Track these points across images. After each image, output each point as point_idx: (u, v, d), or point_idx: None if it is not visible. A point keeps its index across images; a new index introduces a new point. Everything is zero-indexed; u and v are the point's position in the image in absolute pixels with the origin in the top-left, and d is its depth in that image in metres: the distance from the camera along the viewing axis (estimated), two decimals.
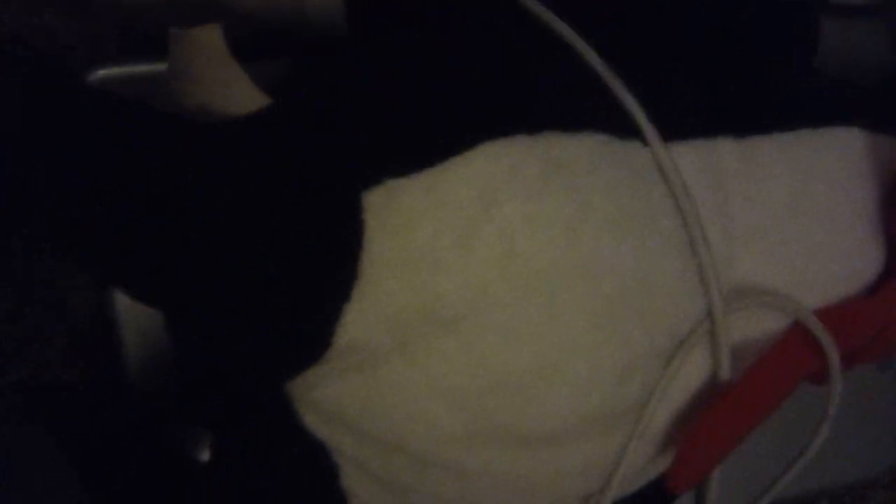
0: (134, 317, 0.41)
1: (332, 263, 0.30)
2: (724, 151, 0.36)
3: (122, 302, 0.41)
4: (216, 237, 0.30)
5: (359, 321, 0.30)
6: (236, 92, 0.30)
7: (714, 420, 0.36)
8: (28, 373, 0.43)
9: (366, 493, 0.34)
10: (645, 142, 0.34)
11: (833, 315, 0.38)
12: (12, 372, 0.43)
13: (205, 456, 0.37)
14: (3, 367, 0.43)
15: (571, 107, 0.33)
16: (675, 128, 0.35)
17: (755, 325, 0.37)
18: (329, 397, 0.32)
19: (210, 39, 0.30)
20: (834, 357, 0.38)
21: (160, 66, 0.41)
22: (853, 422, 0.54)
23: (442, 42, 0.33)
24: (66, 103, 0.31)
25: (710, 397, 0.36)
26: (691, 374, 0.36)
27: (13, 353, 0.43)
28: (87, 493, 0.38)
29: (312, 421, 0.33)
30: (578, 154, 0.33)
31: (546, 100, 0.33)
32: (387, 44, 0.34)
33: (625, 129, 0.34)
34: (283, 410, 0.32)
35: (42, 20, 0.43)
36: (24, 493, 0.39)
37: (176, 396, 0.39)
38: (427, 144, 0.31)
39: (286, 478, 0.34)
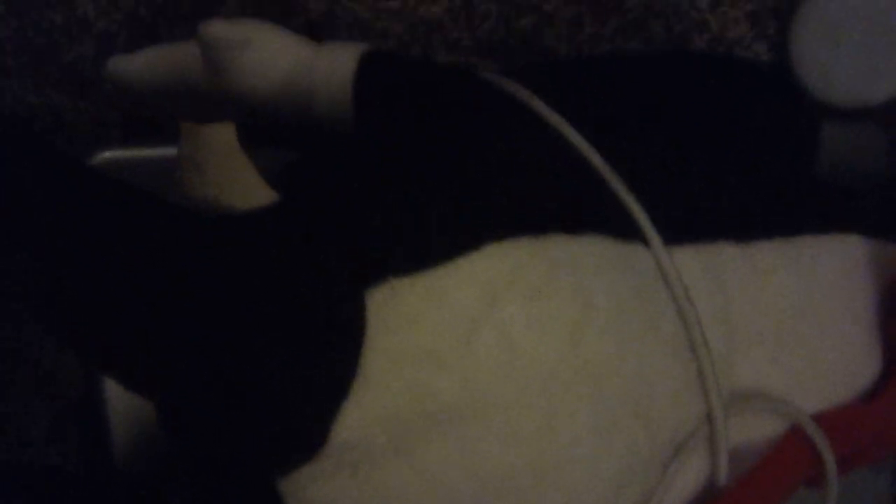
0: (123, 398, 0.41)
1: (333, 360, 0.30)
2: (726, 256, 0.37)
3: (112, 383, 0.41)
4: (216, 332, 0.29)
5: (356, 419, 0.30)
6: (245, 188, 0.30)
7: None
8: (11, 451, 0.43)
9: None
10: (647, 244, 0.34)
11: (831, 420, 0.38)
12: None
13: None
14: None
15: (575, 209, 0.34)
16: (677, 231, 0.35)
17: (753, 430, 0.37)
18: (322, 497, 0.31)
19: (223, 137, 0.30)
20: (831, 462, 0.38)
21: (164, 152, 0.42)
22: None
23: (449, 143, 0.34)
24: (69, 185, 0.31)
25: (707, 502, 0.36)
26: (688, 479, 0.36)
27: None
28: None
29: None
30: (582, 256, 0.33)
31: (550, 202, 0.33)
32: (394, 143, 0.34)
33: (627, 231, 0.34)
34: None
35: (47, 99, 0.43)
36: None
37: (165, 482, 0.38)
38: (431, 244, 0.31)
39: None
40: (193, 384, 0.30)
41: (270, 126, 0.37)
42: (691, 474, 0.35)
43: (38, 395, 0.43)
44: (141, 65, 0.39)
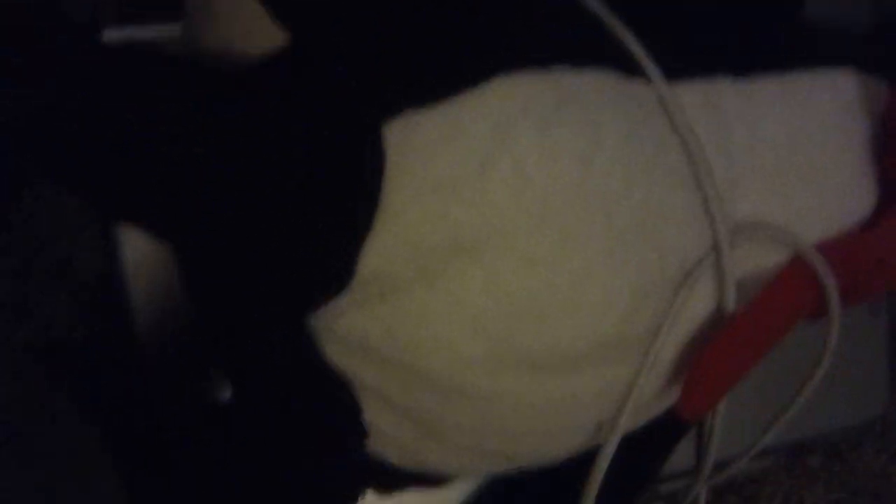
0: (141, 271, 0.41)
1: (355, 194, 0.30)
2: (723, 90, 0.37)
3: (129, 256, 0.42)
4: (243, 171, 0.30)
5: (381, 251, 0.31)
6: (257, 29, 0.30)
7: (720, 351, 0.37)
8: (35, 331, 0.43)
9: (387, 424, 0.35)
10: (648, 80, 0.35)
11: (831, 248, 0.39)
12: (19, 331, 0.43)
13: (224, 398, 0.37)
14: (10, 327, 0.43)
15: (578, 46, 0.34)
16: (677, 68, 0.36)
17: (757, 259, 0.38)
18: (352, 328, 0.32)
19: None
20: (833, 289, 0.39)
21: (162, 29, 0.42)
22: (845, 368, 0.55)
23: None
24: (87, 57, 0.31)
25: (716, 329, 0.37)
26: (698, 305, 0.37)
27: (19, 311, 0.44)
28: (105, 450, 0.38)
29: (335, 353, 0.33)
30: (588, 88, 0.33)
31: (555, 37, 0.34)
32: None
33: (629, 68, 0.35)
34: (305, 344, 0.33)
35: None
36: (41, 453, 0.39)
37: (188, 346, 0.39)
38: (444, 77, 0.31)
39: (309, 412, 0.34)
40: (222, 224, 0.31)
41: None
42: (700, 301, 0.37)
43: (58, 279, 0.44)
44: None
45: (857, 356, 0.56)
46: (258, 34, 0.31)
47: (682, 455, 0.44)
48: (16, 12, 0.38)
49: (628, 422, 0.37)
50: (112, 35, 0.41)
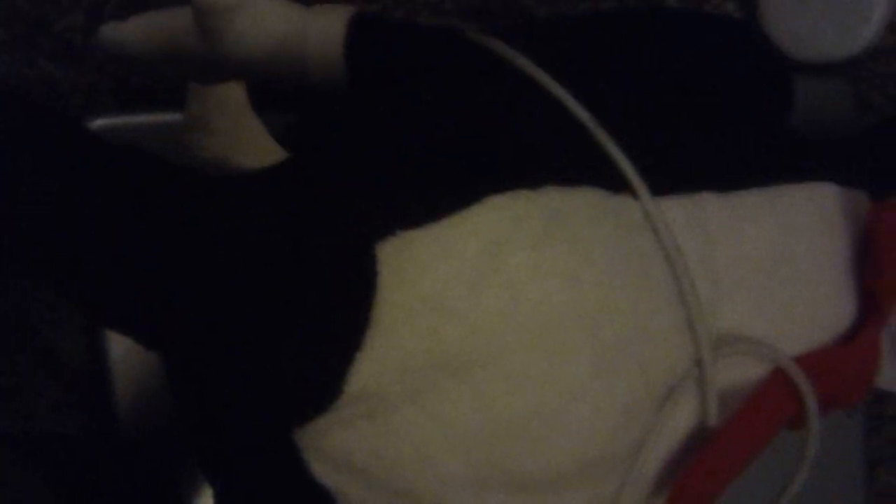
0: (127, 366, 0.41)
1: (346, 312, 0.30)
2: (708, 206, 0.38)
3: (116, 351, 0.41)
4: (231, 286, 0.30)
5: (370, 369, 0.31)
6: (255, 146, 0.31)
7: (702, 466, 0.37)
8: (16, 422, 0.43)
9: None
10: (635, 196, 0.36)
11: (812, 362, 0.40)
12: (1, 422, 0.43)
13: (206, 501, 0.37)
14: None
15: (567, 163, 0.35)
16: (662, 183, 0.37)
17: (738, 373, 0.39)
18: (338, 445, 0.32)
19: (233, 96, 0.30)
20: (812, 402, 0.40)
21: (156, 118, 0.42)
22: (821, 468, 0.56)
23: (445, 100, 0.35)
24: (75, 150, 0.31)
25: (699, 443, 0.38)
26: (681, 420, 0.37)
27: (1, 403, 0.43)
28: None
29: (320, 469, 0.33)
30: (577, 207, 0.34)
31: (544, 156, 0.34)
32: (392, 101, 0.35)
33: (616, 184, 0.36)
34: (289, 459, 0.33)
35: (39, 70, 0.43)
36: None
37: (171, 447, 0.39)
38: (436, 197, 0.32)
39: None
40: (209, 337, 0.31)
41: (267, 89, 0.38)
42: (683, 416, 0.37)
43: (42, 368, 0.43)
44: (134, 31, 0.39)
45: (833, 456, 0.57)
46: (254, 150, 0.31)
47: None
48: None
49: None
50: (106, 122, 0.42)
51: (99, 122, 0.40)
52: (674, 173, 0.38)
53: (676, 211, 0.37)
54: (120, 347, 0.41)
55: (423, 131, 0.33)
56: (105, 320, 0.33)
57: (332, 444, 0.32)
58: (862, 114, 0.58)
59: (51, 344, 0.43)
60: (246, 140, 0.31)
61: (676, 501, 0.37)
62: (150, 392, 0.41)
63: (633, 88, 0.40)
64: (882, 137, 0.47)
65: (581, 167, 0.35)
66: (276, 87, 0.40)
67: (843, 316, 0.42)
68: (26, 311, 0.43)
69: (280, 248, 0.30)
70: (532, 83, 0.37)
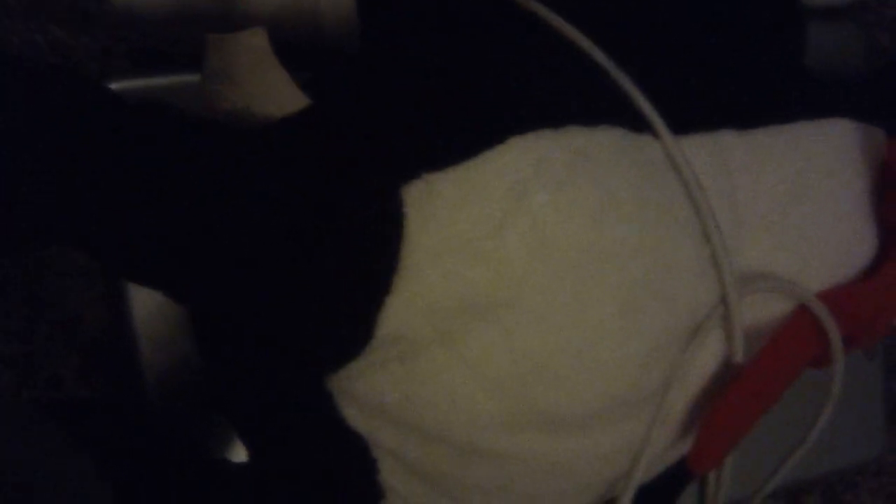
0: (151, 329, 0.41)
1: (375, 256, 0.30)
2: (728, 144, 0.38)
3: (138, 315, 0.42)
4: (261, 237, 0.30)
5: (401, 313, 0.31)
6: (280, 94, 0.31)
7: (730, 404, 0.37)
8: (42, 392, 0.43)
9: (404, 486, 0.35)
10: (656, 135, 0.36)
11: (834, 298, 0.40)
12: (26, 391, 0.43)
13: (238, 457, 0.37)
14: (17, 387, 0.43)
15: (588, 103, 0.35)
16: (682, 122, 0.37)
17: (763, 310, 0.39)
18: (371, 389, 0.32)
19: (255, 42, 0.30)
20: (837, 338, 0.40)
21: (171, 79, 0.42)
22: (842, 410, 0.56)
23: (466, 47, 0.35)
24: (100, 110, 0.31)
25: (725, 381, 0.38)
26: (707, 357, 0.37)
27: (26, 371, 0.43)
28: None
29: (353, 414, 0.33)
30: (599, 146, 0.34)
31: (565, 97, 0.34)
32: (412, 48, 0.34)
33: (638, 123, 0.36)
34: (323, 404, 0.33)
35: (51, 36, 0.43)
36: None
37: (199, 403, 0.39)
38: (460, 139, 0.32)
39: (325, 472, 0.34)
40: (241, 287, 0.31)
41: (281, 48, 0.38)
42: (710, 353, 0.37)
43: (63, 337, 0.44)
44: None
45: (854, 398, 0.57)
46: (278, 98, 0.31)
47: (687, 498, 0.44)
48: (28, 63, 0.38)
49: (641, 476, 0.37)
50: (122, 85, 0.42)
51: (114, 86, 0.40)
52: (693, 112, 0.38)
53: (697, 149, 0.37)
54: (143, 313, 0.41)
55: (444, 75, 0.33)
56: (137, 274, 0.34)
57: (365, 388, 0.32)
58: (872, 56, 0.58)
59: (71, 313, 0.44)
60: (269, 87, 0.31)
61: (705, 440, 0.38)
62: (175, 355, 0.41)
63: (651, 29, 0.40)
64: (894, 75, 0.47)
65: (602, 107, 0.35)
66: (291, 46, 0.40)
67: (864, 251, 0.42)
68: (41, 281, 0.43)
69: (307, 195, 0.30)
70: (550, 28, 0.37)
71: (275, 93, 0.31)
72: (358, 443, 0.34)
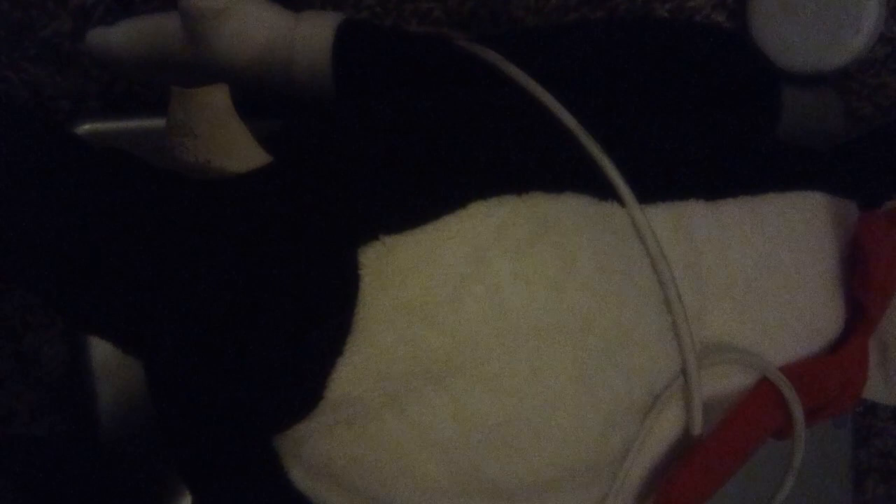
0: (109, 371, 0.41)
1: (328, 317, 0.30)
2: (696, 213, 0.38)
3: (97, 356, 0.41)
4: (212, 292, 0.30)
5: (351, 375, 0.31)
6: (239, 150, 0.31)
7: (687, 474, 0.37)
8: None
9: None
10: (622, 203, 0.36)
11: (798, 372, 0.40)
12: None
13: None
14: None
15: (554, 169, 0.35)
16: (649, 190, 0.37)
17: (724, 381, 0.39)
18: (318, 452, 0.32)
19: (217, 98, 0.30)
20: (798, 412, 0.40)
21: (143, 122, 0.42)
22: (809, 478, 0.56)
23: (430, 106, 0.35)
24: (58, 153, 0.31)
25: (684, 452, 0.37)
26: (665, 429, 0.37)
27: None
28: None
29: (299, 476, 0.33)
30: (563, 213, 0.34)
31: (531, 162, 0.34)
32: (378, 105, 0.34)
33: (603, 190, 0.36)
34: (269, 465, 0.32)
35: (25, 74, 0.43)
36: None
37: (152, 452, 0.39)
38: (421, 202, 0.31)
39: None
40: (189, 343, 0.30)
41: (253, 95, 0.37)
42: (668, 425, 0.37)
43: (20, 372, 0.43)
44: (121, 36, 0.39)
45: (822, 467, 0.57)
46: (237, 154, 0.31)
47: None
48: None
49: None
50: (92, 127, 0.42)
51: (86, 127, 0.40)
52: (661, 181, 0.38)
53: (663, 218, 0.37)
54: (101, 352, 0.41)
55: (408, 137, 0.33)
56: (85, 325, 0.33)
57: (312, 450, 0.32)
58: (852, 125, 0.58)
59: (29, 348, 0.43)
60: (229, 144, 0.31)
61: None
62: (132, 397, 0.40)
63: (622, 96, 0.40)
64: (871, 147, 0.48)
65: (568, 174, 0.35)
66: (264, 94, 0.40)
67: (831, 324, 0.42)
68: (4, 314, 0.43)
69: (261, 254, 0.30)
70: (520, 90, 0.37)
71: (235, 149, 0.31)
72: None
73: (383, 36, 0.40)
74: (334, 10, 0.41)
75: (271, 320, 0.30)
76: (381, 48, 0.39)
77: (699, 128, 0.40)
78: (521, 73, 0.37)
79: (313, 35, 0.39)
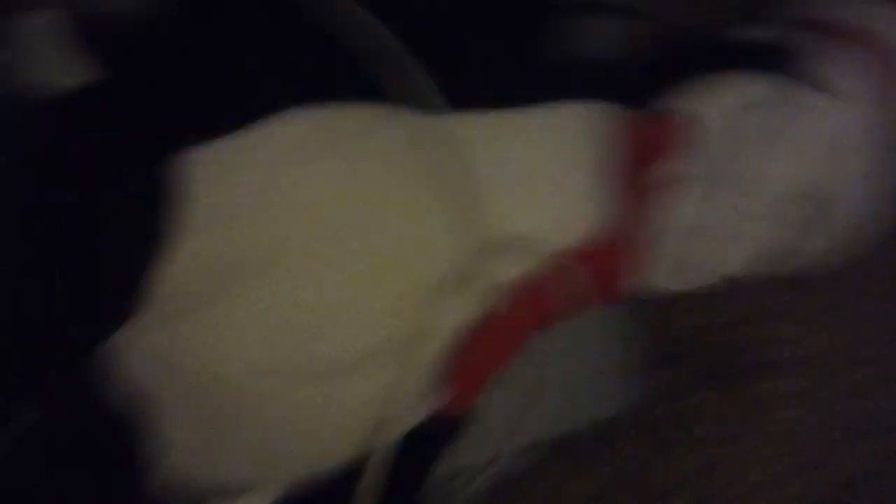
0: None
1: (151, 220, 0.33)
2: (481, 122, 0.43)
3: None
4: (43, 193, 0.32)
5: (177, 272, 0.34)
6: (62, 68, 0.33)
7: (478, 350, 0.43)
8: None
9: (183, 437, 0.37)
10: (425, 111, 0.41)
11: (576, 255, 0.46)
12: None
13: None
14: None
15: (362, 79, 0.39)
16: (445, 102, 0.42)
17: (512, 266, 0.44)
18: (154, 345, 0.35)
19: (43, 21, 0.32)
20: (581, 289, 0.45)
21: None
22: (601, 363, 0.61)
23: (251, 22, 0.38)
24: None
25: (474, 331, 0.43)
26: (459, 312, 0.42)
27: None
28: None
29: (138, 371, 0.35)
30: (364, 121, 0.39)
31: (340, 73, 0.39)
32: (201, 22, 0.38)
33: (408, 100, 0.40)
34: (102, 364, 0.35)
35: None
36: None
37: None
38: (234, 112, 0.35)
39: (102, 438, 0.36)
40: (20, 243, 0.33)
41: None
42: (461, 307, 0.42)
43: None
44: None
45: (598, 357, 0.62)
46: (64, 71, 0.33)
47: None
48: None
49: (400, 422, 0.41)
50: None
51: None
52: (457, 93, 0.42)
53: (453, 126, 0.42)
54: None
55: (223, 51, 0.36)
56: None
57: (148, 343, 0.35)
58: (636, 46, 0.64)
59: None
60: (55, 63, 0.33)
61: (456, 380, 0.42)
62: None
63: (432, 18, 0.44)
64: (643, 61, 0.54)
65: (376, 82, 0.39)
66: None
67: (598, 217, 0.47)
68: None
69: (88, 160, 0.33)
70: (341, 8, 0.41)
71: (60, 69, 0.33)
72: (138, 399, 0.36)
73: None
74: None
75: (98, 220, 0.33)
76: None
77: (488, 43, 0.45)
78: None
79: None
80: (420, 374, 0.42)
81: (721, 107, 0.48)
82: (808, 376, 0.56)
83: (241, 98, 0.36)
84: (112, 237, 0.34)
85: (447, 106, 0.42)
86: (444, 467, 0.46)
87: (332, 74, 0.39)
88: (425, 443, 0.44)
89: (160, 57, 0.36)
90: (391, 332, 0.39)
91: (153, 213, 0.34)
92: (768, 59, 0.53)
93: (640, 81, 0.51)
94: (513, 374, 0.45)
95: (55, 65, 0.34)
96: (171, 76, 0.36)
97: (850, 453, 0.54)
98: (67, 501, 0.37)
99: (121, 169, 0.34)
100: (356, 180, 0.38)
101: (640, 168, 0.48)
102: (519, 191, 0.44)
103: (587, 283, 0.46)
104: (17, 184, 0.33)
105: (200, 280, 0.35)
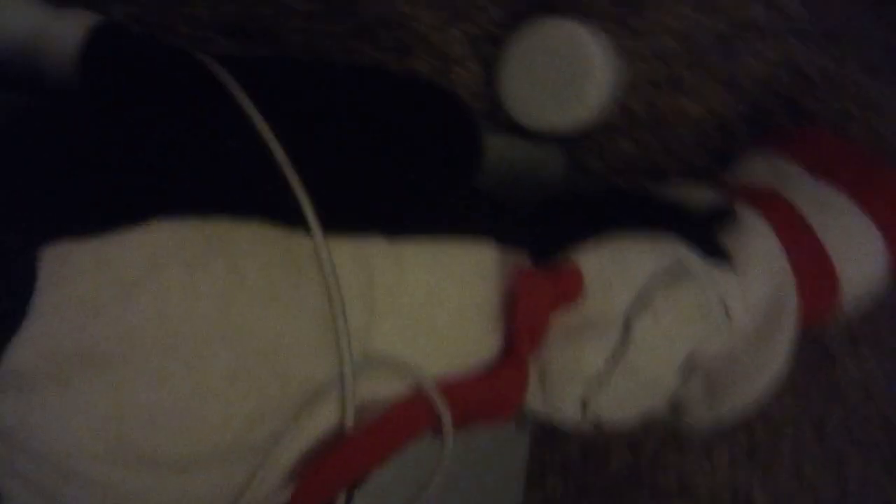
0: None
1: (6, 303, 0.36)
2: (376, 248, 0.45)
3: None
4: None
5: (26, 351, 0.36)
6: None
7: (330, 462, 0.44)
8: None
9: (22, 496, 0.39)
10: (308, 233, 0.42)
11: (451, 384, 0.47)
12: None
13: None
14: None
15: (246, 197, 0.41)
16: (336, 223, 0.43)
17: (384, 387, 0.46)
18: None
19: None
20: (446, 415, 0.47)
21: None
22: (486, 472, 0.63)
23: (138, 123, 0.40)
24: None
25: (334, 442, 0.45)
26: (320, 423, 0.44)
27: None
28: None
29: None
30: (243, 238, 0.40)
31: (222, 189, 0.40)
32: (92, 116, 0.39)
33: (292, 219, 0.42)
34: None
35: None
36: None
37: None
38: (101, 214, 0.37)
39: None
40: None
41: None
42: (323, 419, 0.44)
43: None
44: None
45: (498, 462, 0.65)
46: None
47: None
48: None
49: None
50: None
51: None
52: (348, 217, 0.44)
53: (344, 249, 0.44)
54: None
55: (106, 150, 0.38)
56: None
57: None
58: (582, 177, 0.67)
59: None
60: None
61: (304, 488, 0.44)
62: None
63: (334, 138, 0.46)
64: (553, 208, 0.56)
65: (260, 201, 0.41)
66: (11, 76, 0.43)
67: (487, 352, 0.49)
68: None
69: None
70: (238, 113, 0.42)
71: None
72: None
73: (133, 42, 0.45)
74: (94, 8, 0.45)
75: None
76: (127, 54, 0.44)
77: (392, 174, 0.47)
78: (246, 99, 0.43)
79: (65, 33, 0.43)
80: (274, 473, 0.43)
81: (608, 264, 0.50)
82: None
83: (109, 201, 0.38)
84: None
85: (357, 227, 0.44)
86: None
87: (212, 189, 0.40)
88: None
89: (29, 147, 0.38)
90: (247, 436, 0.41)
91: (10, 300, 0.36)
92: (685, 223, 0.55)
93: (555, 227, 0.53)
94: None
95: None
96: (38, 170, 0.38)
97: None
98: None
99: None
100: (235, 294, 0.40)
101: (534, 313, 0.50)
102: (415, 318, 0.46)
103: (461, 410, 0.48)
104: None
105: (39, 363, 0.37)
